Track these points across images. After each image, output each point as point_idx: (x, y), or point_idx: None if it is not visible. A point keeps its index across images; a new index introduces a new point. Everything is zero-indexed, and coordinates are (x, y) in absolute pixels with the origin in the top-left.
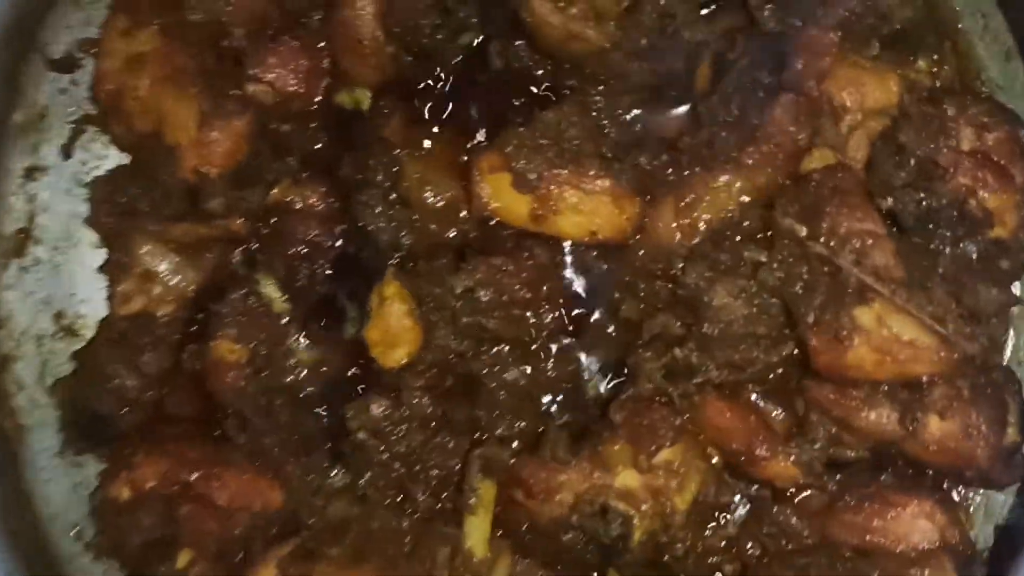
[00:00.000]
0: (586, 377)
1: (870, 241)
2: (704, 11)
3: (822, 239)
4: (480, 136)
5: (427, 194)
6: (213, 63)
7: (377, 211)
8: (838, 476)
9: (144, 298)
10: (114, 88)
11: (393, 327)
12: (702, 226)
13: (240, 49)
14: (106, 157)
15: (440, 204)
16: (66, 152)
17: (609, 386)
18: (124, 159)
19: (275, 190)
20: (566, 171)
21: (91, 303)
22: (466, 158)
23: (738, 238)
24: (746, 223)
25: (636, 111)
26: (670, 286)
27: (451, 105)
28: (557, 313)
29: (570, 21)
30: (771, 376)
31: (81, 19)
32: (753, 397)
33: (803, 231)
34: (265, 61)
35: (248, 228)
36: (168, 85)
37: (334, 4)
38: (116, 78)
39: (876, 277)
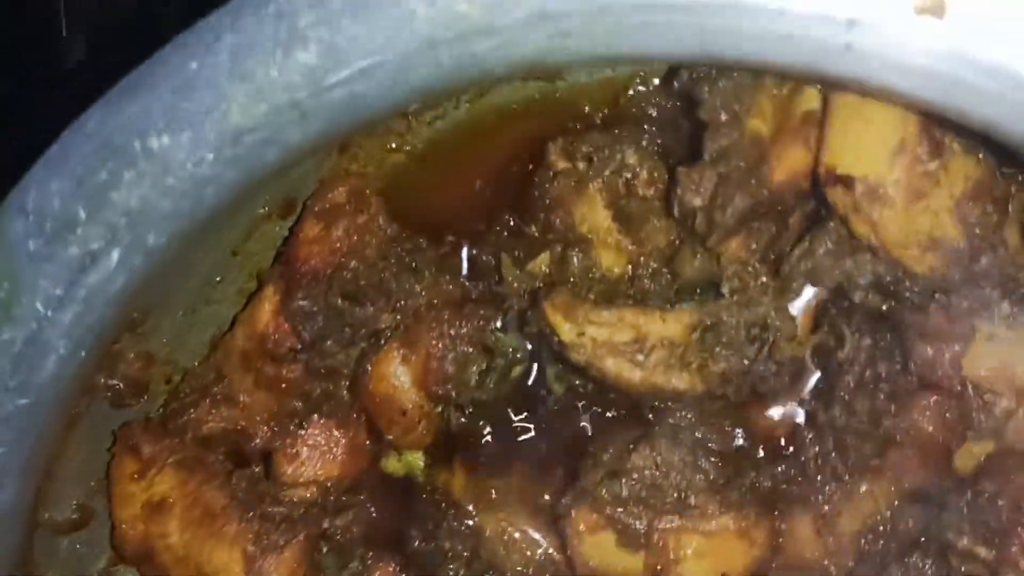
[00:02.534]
0: None
1: None
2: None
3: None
4: (559, 475)
5: (515, 556)
6: (244, 488)
7: None
8: None
9: None
10: (139, 537)
11: None
12: (849, 541)
13: (267, 447)
14: None
15: (535, 561)
16: None
17: None
18: None
19: None
20: (678, 517)
21: None
22: (554, 519)
23: (893, 545)
24: (905, 529)
25: (734, 423)
26: None
27: (518, 444)
28: None
29: (652, 375)
30: None
31: (77, 467)
32: None
33: (991, 555)
34: (298, 454)
35: None
36: (200, 529)
37: (363, 379)
38: (139, 525)
39: None
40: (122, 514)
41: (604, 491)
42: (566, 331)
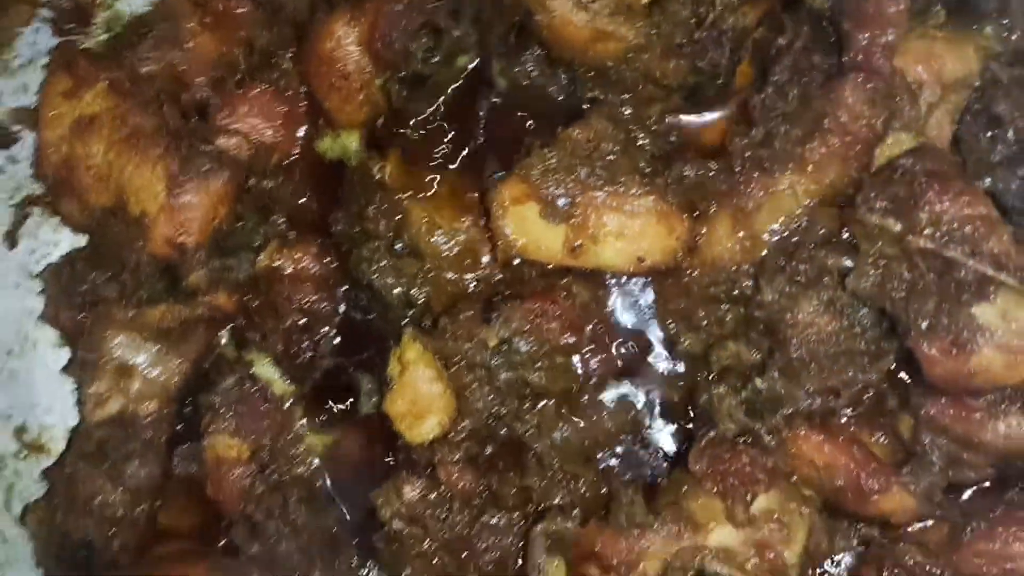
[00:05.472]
0: (647, 424)
1: (983, 227)
2: None
3: (925, 231)
4: (493, 166)
5: (438, 239)
6: (176, 119)
7: (382, 265)
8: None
9: (121, 398)
10: (61, 159)
11: (420, 395)
12: (766, 238)
13: (205, 100)
14: (58, 243)
15: (455, 249)
16: (10, 240)
17: (676, 432)
18: (80, 241)
19: (263, 255)
20: (602, 192)
21: (58, 411)
22: (480, 193)
23: (812, 246)
24: (820, 229)
25: (670, 118)
26: (741, 310)
27: (455, 136)
28: (606, 355)
29: (596, 18)
30: (866, 397)
31: (13, 87)
32: (850, 423)
33: (897, 226)
34: (236, 110)
35: (236, 303)
36: (126, 148)
37: (309, 39)
38: (63, 147)
39: (997, 266)
40: (49, 135)
41: (534, 159)
42: None
